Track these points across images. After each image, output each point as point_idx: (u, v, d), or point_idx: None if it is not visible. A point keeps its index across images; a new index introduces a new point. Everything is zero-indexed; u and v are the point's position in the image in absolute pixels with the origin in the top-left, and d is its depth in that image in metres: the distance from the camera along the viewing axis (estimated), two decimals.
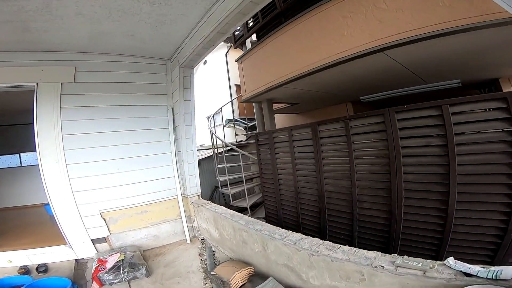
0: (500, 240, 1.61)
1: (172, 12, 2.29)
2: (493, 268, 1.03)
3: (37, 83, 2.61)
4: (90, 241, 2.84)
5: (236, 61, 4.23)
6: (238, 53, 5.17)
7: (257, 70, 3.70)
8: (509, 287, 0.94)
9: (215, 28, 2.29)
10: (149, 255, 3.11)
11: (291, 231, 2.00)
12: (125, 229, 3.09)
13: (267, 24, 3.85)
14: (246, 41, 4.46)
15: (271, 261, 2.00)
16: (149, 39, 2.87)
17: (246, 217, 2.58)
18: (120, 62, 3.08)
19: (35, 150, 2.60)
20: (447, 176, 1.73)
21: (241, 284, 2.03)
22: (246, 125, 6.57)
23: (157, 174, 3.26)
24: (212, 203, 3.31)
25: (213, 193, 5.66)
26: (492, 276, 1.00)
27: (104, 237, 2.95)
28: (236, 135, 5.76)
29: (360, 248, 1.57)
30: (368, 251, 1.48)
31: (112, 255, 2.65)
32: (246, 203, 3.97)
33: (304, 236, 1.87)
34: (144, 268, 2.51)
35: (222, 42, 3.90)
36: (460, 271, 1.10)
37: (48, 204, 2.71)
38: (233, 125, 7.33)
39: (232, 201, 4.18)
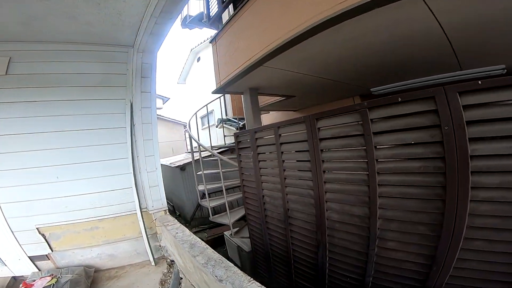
0: None
1: None
2: None
3: None
4: (28, 258, 2.44)
5: (210, 43, 3.46)
6: None
7: (233, 49, 2.86)
8: None
9: None
10: (102, 277, 2.64)
11: None
12: (72, 246, 2.60)
13: None
14: (223, 17, 3.70)
15: None
16: (96, 21, 2.37)
17: (208, 251, 1.89)
18: (65, 51, 2.57)
19: None
20: None
21: None
22: (238, 125, 5.98)
23: (110, 184, 2.70)
24: (177, 223, 2.67)
25: (197, 207, 5.08)
26: None
27: (46, 255, 2.51)
28: (224, 136, 5.18)
29: None
30: None
31: (42, 278, 2.22)
32: (228, 219, 3.19)
33: None
34: None
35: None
36: None
37: None
38: (226, 126, 6.78)
39: (213, 215, 3.44)
